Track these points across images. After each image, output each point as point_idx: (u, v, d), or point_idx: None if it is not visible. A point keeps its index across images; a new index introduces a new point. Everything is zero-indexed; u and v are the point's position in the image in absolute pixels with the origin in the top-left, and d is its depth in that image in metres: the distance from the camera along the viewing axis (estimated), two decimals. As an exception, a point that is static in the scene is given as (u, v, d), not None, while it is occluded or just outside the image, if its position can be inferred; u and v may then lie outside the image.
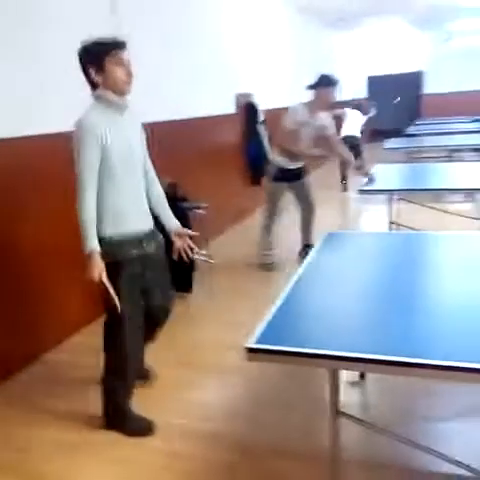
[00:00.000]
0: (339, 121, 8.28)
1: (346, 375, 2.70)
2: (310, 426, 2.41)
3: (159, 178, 3.42)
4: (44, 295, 3.32)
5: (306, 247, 4.61)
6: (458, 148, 7.27)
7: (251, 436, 2.39)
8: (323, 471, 1.89)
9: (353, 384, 2.70)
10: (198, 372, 2.96)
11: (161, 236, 2.50)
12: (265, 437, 2.38)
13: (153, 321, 2.57)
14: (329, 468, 1.82)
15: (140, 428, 2.42)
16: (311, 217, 4.76)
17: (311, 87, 4.32)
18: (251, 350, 1.54)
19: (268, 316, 1.73)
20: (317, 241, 2.69)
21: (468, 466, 1.81)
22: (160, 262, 2.48)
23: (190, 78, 5.12)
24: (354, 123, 8.21)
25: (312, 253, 2.46)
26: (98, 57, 2.12)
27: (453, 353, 1.41)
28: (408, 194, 4.55)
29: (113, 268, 2.19)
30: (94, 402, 2.51)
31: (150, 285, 2.42)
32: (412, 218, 4.63)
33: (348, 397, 2.53)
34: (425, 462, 2.12)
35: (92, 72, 2.15)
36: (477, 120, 9.27)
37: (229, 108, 6.21)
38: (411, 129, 9.00)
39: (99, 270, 2.14)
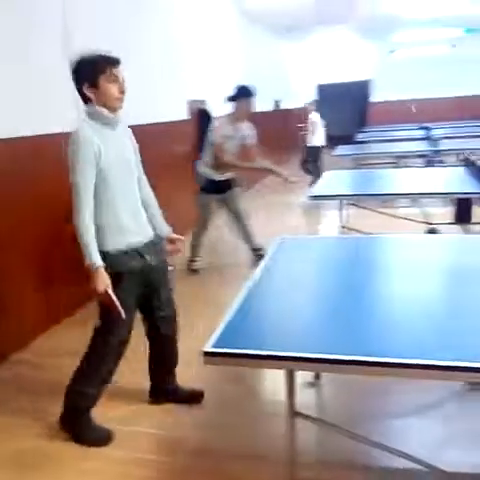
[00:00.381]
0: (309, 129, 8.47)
1: (301, 376, 2.74)
2: (267, 428, 2.44)
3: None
4: (6, 297, 3.27)
5: (255, 251, 4.68)
6: (404, 155, 7.55)
7: (210, 440, 2.39)
8: (281, 472, 1.91)
9: (308, 385, 2.75)
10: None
11: (162, 242, 2.51)
12: (223, 441, 2.39)
13: (163, 334, 2.56)
14: (287, 469, 1.85)
15: (100, 438, 2.38)
16: (245, 224, 4.76)
17: (231, 99, 4.36)
18: (208, 354, 1.56)
19: (224, 320, 1.75)
20: (270, 246, 2.72)
21: (422, 461, 1.88)
22: (163, 272, 2.49)
23: (141, 84, 5.09)
24: (320, 131, 8.41)
25: (266, 258, 2.49)
26: (92, 74, 2.12)
27: (404, 351, 1.47)
28: (358, 199, 4.69)
29: (113, 279, 2.19)
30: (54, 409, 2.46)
31: (154, 296, 2.44)
32: (362, 222, 4.77)
33: (304, 398, 2.57)
34: (381, 459, 2.18)
35: (85, 87, 2.14)
36: (423, 127, 9.65)
37: (182, 114, 6.21)
38: (359, 136, 9.27)
39: (105, 284, 2.14)
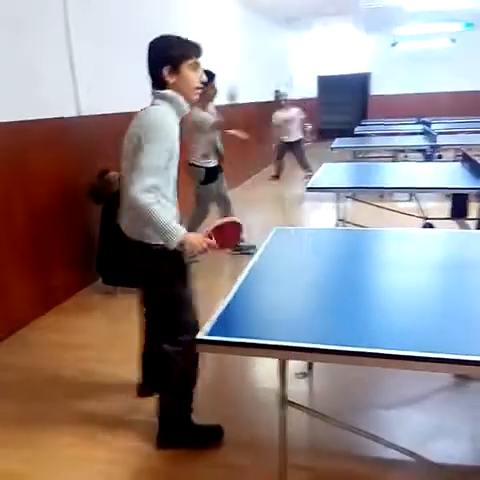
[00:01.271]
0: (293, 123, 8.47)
1: (294, 366, 2.77)
2: (259, 417, 2.47)
3: (106, 173, 3.37)
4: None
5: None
6: (403, 148, 7.55)
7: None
8: (272, 460, 1.94)
9: (301, 375, 2.78)
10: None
11: None
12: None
13: None
14: (278, 457, 1.88)
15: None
16: (230, 212, 4.81)
17: None
18: (202, 342, 1.58)
19: (219, 309, 1.77)
20: (267, 236, 2.74)
21: (411, 452, 1.91)
22: None
23: (136, 71, 5.06)
24: (297, 126, 8.53)
25: (261, 248, 2.51)
26: (177, 58, 2.02)
27: (397, 342, 1.49)
28: (355, 192, 4.70)
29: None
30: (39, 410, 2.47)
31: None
32: (359, 216, 4.79)
33: (296, 387, 2.60)
34: (371, 449, 2.22)
35: (166, 71, 2.03)
36: (422, 122, 9.64)
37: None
38: (358, 129, 9.25)
39: (200, 240, 2.01)
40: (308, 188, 4.07)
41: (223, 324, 1.66)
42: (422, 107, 12.59)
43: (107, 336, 3.37)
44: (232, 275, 2.21)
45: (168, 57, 2.03)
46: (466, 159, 4.49)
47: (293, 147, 8.53)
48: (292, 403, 1.84)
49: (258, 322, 1.76)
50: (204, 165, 4.61)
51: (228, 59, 7.94)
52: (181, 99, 2.07)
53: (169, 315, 2.16)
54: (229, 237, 2.14)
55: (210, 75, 4.45)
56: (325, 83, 14.55)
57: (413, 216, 5.03)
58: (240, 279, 2.06)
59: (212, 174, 4.66)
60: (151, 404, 2.35)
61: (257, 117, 8.86)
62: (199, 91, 2.14)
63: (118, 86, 4.55)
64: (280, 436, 1.85)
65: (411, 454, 1.92)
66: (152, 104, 2.08)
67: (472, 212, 3.97)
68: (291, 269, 2.25)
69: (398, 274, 2.13)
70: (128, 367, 2.75)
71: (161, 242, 1.99)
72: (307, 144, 8.87)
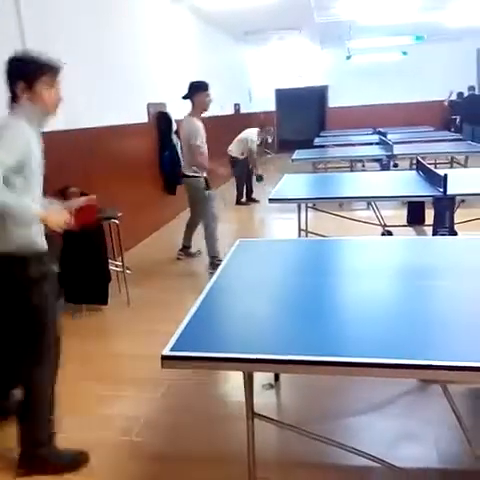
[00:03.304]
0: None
1: (261, 377, 2.77)
2: (227, 431, 2.45)
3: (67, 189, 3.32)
4: None
5: (186, 249, 5.09)
6: (361, 158, 7.73)
7: (170, 445, 2.39)
8: (240, 473, 1.93)
9: (268, 386, 2.78)
10: (115, 385, 2.91)
11: None
12: (184, 445, 2.38)
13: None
14: (247, 470, 1.87)
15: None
16: (197, 226, 5.06)
17: (188, 96, 4.63)
18: (167, 358, 1.56)
19: (183, 324, 1.75)
20: (229, 249, 2.74)
21: (377, 458, 1.93)
22: None
23: (99, 87, 5.03)
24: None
25: (224, 261, 2.51)
26: (31, 75, 2.01)
27: (359, 350, 1.51)
28: (315, 202, 4.77)
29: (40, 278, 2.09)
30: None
31: None
32: (321, 225, 4.86)
33: (263, 399, 2.60)
34: (339, 457, 2.23)
35: (20, 87, 2.01)
36: (378, 132, 9.90)
37: (141, 117, 6.17)
38: (317, 140, 9.42)
39: (62, 217, 2.04)
40: (270, 199, 4.11)
41: (187, 339, 1.65)
42: (378, 118, 12.97)
43: None
44: (196, 289, 2.20)
45: (22, 74, 2.04)
46: (421, 167, 4.64)
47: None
48: (259, 415, 1.83)
49: (222, 335, 1.75)
50: (200, 174, 4.69)
51: (186, 73, 7.97)
52: (37, 112, 2.06)
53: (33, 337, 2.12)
54: (87, 216, 2.31)
55: (203, 85, 4.62)
56: (283, 96, 14.78)
57: (372, 224, 5.14)
58: (203, 293, 2.05)
59: (207, 182, 4.74)
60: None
61: (216, 130, 8.90)
62: (58, 106, 2.12)
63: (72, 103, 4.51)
64: (248, 449, 1.83)
65: (378, 461, 1.94)
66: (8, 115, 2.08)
67: (429, 218, 4.09)
68: (254, 280, 2.26)
69: (359, 282, 2.17)
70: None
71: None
72: (268, 156, 8.90)
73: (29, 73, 2.03)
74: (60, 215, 2.06)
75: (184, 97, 4.64)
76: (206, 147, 4.69)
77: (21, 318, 2.11)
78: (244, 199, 8.11)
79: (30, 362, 2.16)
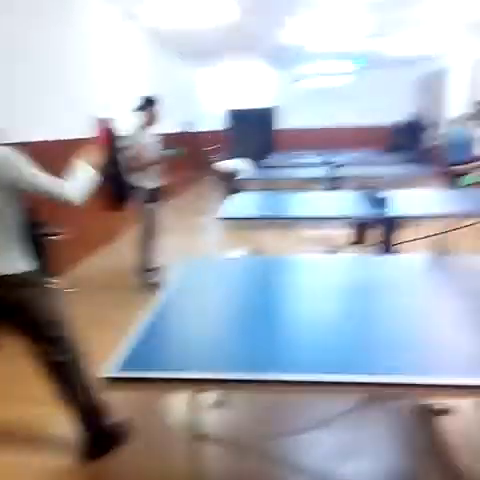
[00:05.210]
0: None
1: (211, 396, 2.73)
2: (172, 452, 2.39)
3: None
4: None
5: (149, 271, 4.85)
6: (306, 180, 7.88)
7: (112, 472, 2.31)
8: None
9: (217, 404, 2.74)
10: (54, 409, 2.78)
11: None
12: (127, 471, 2.31)
13: None
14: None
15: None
16: (154, 240, 4.94)
17: (141, 108, 4.78)
18: (106, 379, 1.50)
19: (126, 344, 1.71)
20: (176, 267, 2.71)
21: (323, 475, 1.93)
22: None
23: (41, 101, 4.91)
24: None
25: (172, 279, 2.47)
26: None
27: (306, 368, 1.52)
28: (265, 222, 4.80)
29: None
30: None
31: None
32: (269, 244, 4.90)
33: (212, 418, 2.56)
34: (287, 476, 2.21)
35: None
36: (324, 155, 10.15)
37: (86, 132, 6.06)
38: (266, 162, 9.57)
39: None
40: (218, 218, 4.11)
41: (128, 360, 1.60)
42: (325, 140, 13.32)
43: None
44: (139, 308, 2.14)
45: None
46: (366, 189, 4.77)
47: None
48: (203, 436, 1.80)
49: (166, 356, 1.71)
50: (144, 184, 4.75)
51: (134, 89, 7.93)
52: None
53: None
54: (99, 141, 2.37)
55: (157, 99, 4.82)
56: (233, 116, 14.94)
57: (318, 243, 5.25)
58: (149, 311, 2.01)
59: (152, 195, 4.82)
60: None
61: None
62: None
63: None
64: (192, 472, 1.79)
65: (325, 478, 1.94)
66: None
67: (371, 238, 4.21)
68: (202, 299, 2.24)
69: (305, 300, 2.19)
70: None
71: None
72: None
73: None
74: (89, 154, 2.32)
75: (138, 109, 4.78)
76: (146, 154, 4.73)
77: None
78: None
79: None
